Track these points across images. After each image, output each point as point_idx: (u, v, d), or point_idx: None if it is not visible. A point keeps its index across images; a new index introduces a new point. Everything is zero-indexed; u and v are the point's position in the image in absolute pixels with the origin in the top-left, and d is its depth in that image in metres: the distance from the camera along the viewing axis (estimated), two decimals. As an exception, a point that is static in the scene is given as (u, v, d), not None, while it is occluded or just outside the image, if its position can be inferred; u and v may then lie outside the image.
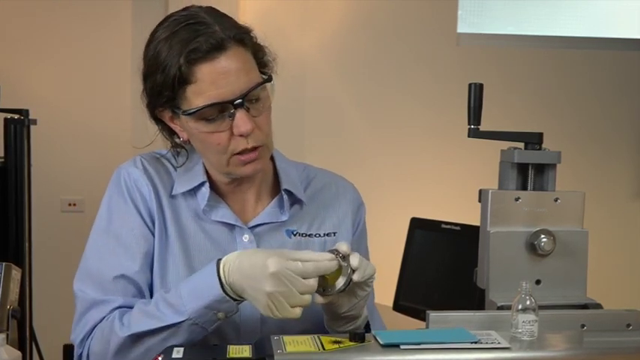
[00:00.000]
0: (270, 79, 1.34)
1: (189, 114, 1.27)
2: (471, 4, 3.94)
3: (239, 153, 1.30)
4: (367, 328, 1.36)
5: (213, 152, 1.32)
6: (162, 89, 1.28)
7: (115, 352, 1.26)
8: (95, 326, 1.31)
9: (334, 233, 1.44)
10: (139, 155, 1.43)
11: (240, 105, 1.27)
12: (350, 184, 1.52)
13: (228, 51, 1.26)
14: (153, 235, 1.35)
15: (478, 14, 3.96)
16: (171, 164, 1.42)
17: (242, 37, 1.30)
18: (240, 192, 1.40)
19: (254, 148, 1.30)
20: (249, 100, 1.28)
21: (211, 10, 1.32)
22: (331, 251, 1.21)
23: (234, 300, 1.21)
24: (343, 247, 1.21)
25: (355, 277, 1.20)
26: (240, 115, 1.27)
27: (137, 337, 1.24)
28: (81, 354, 1.33)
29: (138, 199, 1.36)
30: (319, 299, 1.22)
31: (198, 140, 1.33)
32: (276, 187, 1.43)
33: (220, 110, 1.27)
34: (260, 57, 1.34)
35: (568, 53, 4.00)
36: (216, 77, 1.25)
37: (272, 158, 1.44)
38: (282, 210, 1.40)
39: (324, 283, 1.21)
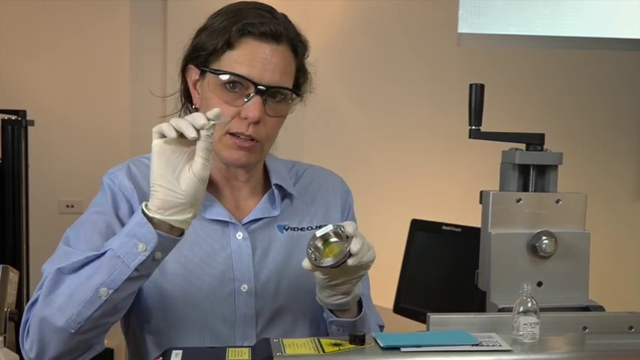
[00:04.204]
0: (299, 95, 1.38)
1: (216, 72, 1.30)
2: (471, 4, 3.93)
3: (235, 135, 1.31)
4: (360, 304, 1.36)
5: None
6: (206, 44, 1.32)
7: (45, 293, 1.21)
8: None
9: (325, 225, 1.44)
10: (128, 160, 1.44)
11: (262, 92, 1.29)
12: (338, 177, 1.56)
13: (280, 46, 1.32)
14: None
15: (479, 14, 3.96)
16: None
17: (297, 44, 1.35)
18: (234, 190, 1.42)
19: (251, 139, 1.31)
20: (272, 95, 1.31)
21: (283, 14, 1.37)
22: (337, 226, 1.20)
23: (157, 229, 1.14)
24: (350, 227, 1.20)
25: (350, 262, 1.19)
26: (255, 100, 1.29)
27: (61, 274, 1.20)
28: (27, 319, 1.26)
29: (122, 202, 1.36)
30: (307, 265, 1.20)
31: (206, 107, 1.32)
32: (267, 185, 1.45)
33: (242, 87, 1.30)
34: (300, 78, 1.38)
35: (569, 53, 4.00)
36: (256, 56, 1.30)
37: None
38: (274, 205, 1.42)
39: (318, 255, 1.19)
